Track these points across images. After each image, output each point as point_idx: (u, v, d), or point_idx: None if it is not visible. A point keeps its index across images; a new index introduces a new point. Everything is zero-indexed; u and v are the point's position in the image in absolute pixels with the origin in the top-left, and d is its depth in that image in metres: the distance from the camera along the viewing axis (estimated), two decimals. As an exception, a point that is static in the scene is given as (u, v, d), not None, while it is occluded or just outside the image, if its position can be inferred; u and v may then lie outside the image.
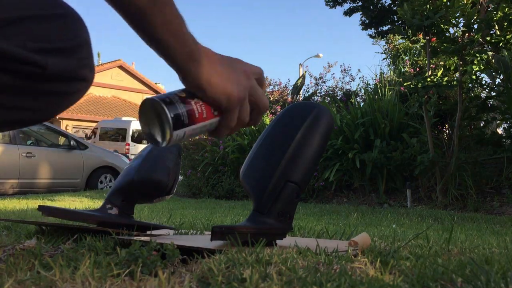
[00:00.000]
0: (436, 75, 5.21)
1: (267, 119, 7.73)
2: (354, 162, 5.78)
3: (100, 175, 8.67)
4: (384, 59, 8.41)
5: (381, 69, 10.16)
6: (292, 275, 0.76)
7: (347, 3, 9.71)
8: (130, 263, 0.86)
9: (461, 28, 5.00)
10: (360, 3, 9.56)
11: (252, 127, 7.62)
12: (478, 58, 5.03)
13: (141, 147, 15.12)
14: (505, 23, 4.75)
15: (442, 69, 5.66)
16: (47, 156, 8.09)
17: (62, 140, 8.88)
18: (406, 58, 7.70)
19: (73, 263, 0.91)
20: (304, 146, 1.16)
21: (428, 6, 4.80)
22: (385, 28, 9.73)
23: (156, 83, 30.43)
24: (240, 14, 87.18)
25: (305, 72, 10.15)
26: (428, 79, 4.94)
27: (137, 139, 16.70)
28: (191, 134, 0.76)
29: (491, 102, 5.77)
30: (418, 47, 7.35)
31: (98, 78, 26.99)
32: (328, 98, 8.74)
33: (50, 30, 0.72)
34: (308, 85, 9.93)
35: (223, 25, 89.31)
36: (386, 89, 6.75)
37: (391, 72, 7.72)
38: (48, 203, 4.78)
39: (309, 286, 0.70)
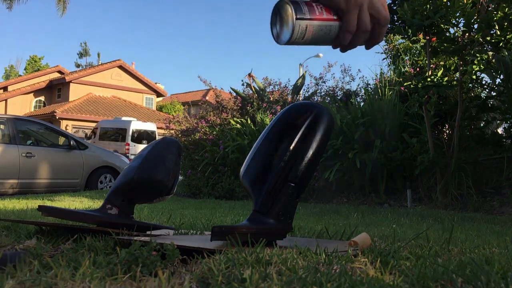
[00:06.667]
0: (436, 75, 5.20)
1: (267, 119, 7.73)
2: (354, 162, 5.77)
3: (100, 175, 8.67)
4: (384, 59, 8.37)
5: (381, 69, 10.14)
6: (292, 275, 0.76)
7: (347, 2, 9.70)
8: (130, 263, 0.86)
9: (461, 28, 5.00)
10: (360, 3, 9.55)
11: (252, 127, 7.61)
12: (478, 58, 5.02)
13: (141, 147, 15.11)
14: (505, 23, 4.75)
15: (442, 69, 5.66)
16: (47, 156, 8.09)
17: (62, 140, 8.87)
18: (406, 58, 7.68)
19: (73, 263, 0.90)
20: (304, 146, 1.16)
21: (428, 6, 4.79)
22: (385, 28, 9.72)
23: (156, 83, 30.43)
24: (239, 14, 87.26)
25: (305, 72, 10.13)
26: (428, 79, 4.94)
27: (137, 139, 16.70)
28: (312, 31, 0.80)
29: (491, 102, 5.76)
30: (418, 47, 7.34)
31: (98, 78, 27.02)
32: (328, 98, 8.72)
33: None
34: (308, 85, 9.91)
35: (222, 25, 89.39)
36: (386, 89, 6.75)
37: (391, 72, 7.71)
38: (48, 203, 4.78)
39: (309, 286, 0.70)
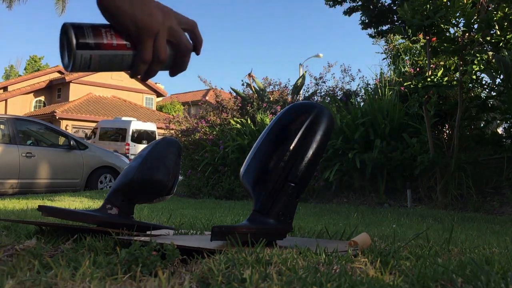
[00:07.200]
0: (436, 75, 5.20)
1: (267, 119, 7.72)
2: (354, 162, 5.77)
3: (100, 175, 8.66)
4: (384, 59, 8.39)
5: (381, 69, 10.15)
6: (292, 275, 0.76)
7: (346, 2, 9.69)
8: (130, 263, 0.86)
9: (461, 28, 5.00)
10: (360, 3, 9.53)
11: (252, 127, 7.61)
12: (478, 58, 5.02)
13: (141, 147, 15.11)
14: (505, 23, 4.75)
15: (442, 69, 5.66)
16: (47, 156, 8.08)
17: (62, 140, 8.86)
18: (406, 58, 7.69)
19: (73, 263, 0.90)
20: (304, 146, 1.16)
21: (428, 6, 4.79)
22: (385, 28, 9.71)
23: (156, 83, 30.43)
24: (240, 14, 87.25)
25: (305, 72, 10.13)
26: (428, 79, 4.94)
27: (137, 139, 16.70)
28: (99, 60, 0.74)
29: (491, 102, 5.76)
30: (418, 47, 7.35)
31: (98, 78, 27.01)
32: (328, 98, 8.72)
33: None
34: (308, 85, 9.91)
35: (222, 25, 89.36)
36: (386, 89, 6.75)
37: (391, 72, 7.72)
38: (48, 203, 4.78)
39: (309, 286, 0.70)
